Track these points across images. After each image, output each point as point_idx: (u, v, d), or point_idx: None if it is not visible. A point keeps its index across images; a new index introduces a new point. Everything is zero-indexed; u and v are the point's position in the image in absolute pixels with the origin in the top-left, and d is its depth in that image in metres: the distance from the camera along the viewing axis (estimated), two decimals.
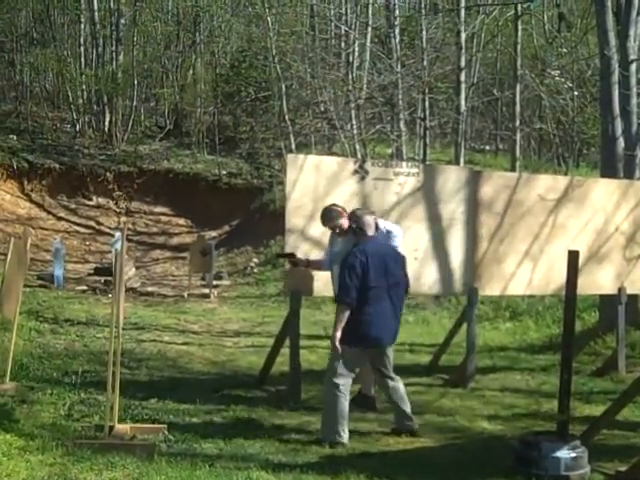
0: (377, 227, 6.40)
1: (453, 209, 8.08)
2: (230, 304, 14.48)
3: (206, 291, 15.28)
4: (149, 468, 5.04)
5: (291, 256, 7.15)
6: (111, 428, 5.76)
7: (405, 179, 7.84)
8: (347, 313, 5.94)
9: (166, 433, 6.01)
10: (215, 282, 15.87)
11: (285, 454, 5.67)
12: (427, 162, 17.62)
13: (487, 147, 25.04)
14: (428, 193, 7.99)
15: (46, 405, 6.65)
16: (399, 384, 6.31)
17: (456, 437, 6.36)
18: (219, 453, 5.63)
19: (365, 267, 5.95)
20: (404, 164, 8.60)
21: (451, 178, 8.14)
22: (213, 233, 20.69)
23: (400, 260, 6.32)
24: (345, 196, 7.42)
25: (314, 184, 7.35)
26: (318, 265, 7.08)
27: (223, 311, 13.60)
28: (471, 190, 8.17)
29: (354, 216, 6.34)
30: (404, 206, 7.85)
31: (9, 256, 7.21)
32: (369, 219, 6.24)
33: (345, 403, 6.03)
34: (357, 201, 7.56)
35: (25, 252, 7.48)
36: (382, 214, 7.70)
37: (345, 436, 5.98)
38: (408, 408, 6.29)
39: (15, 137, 22.75)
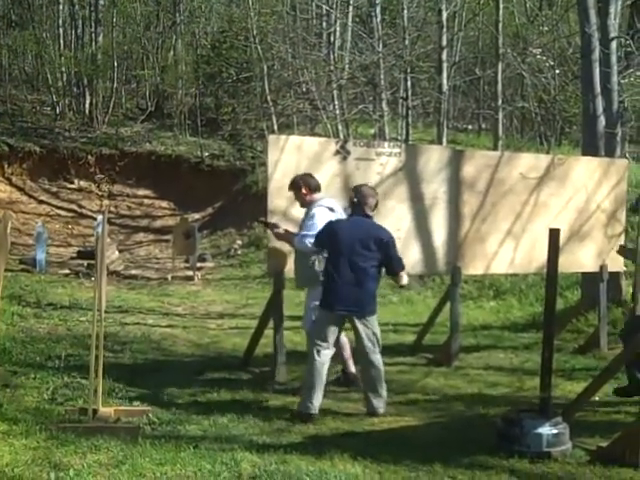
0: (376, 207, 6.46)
1: (435, 188, 8.09)
2: (214, 286, 14.47)
3: (190, 273, 15.27)
4: (133, 451, 5.05)
5: (273, 226, 7.07)
6: (95, 411, 5.75)
7: (387, 159, 7.83)
8: (301, 246, 6.63)
9: (150, 416, 6.00)
10: (199, 264, 15.85)
11: (269, 435, 5.69)
12: (410, 142, 17.61)
13: (470, 126, 25.06)
14: (410, 173, 7.99)
15: (29, 389, 6.63)
16: (372, 372, 6.31)
17: (440, 416, 6.39)
18: (203, 435, 5.63)
19: (329, 235, 6.26)
20: (386, 144, 8.60)
21: (433, 158, 8.15)
22: (196, 215, 20.64)
23: (377, 241, 6.25)
24: (327, 176, 7.41)
25: (296, 165, 7.33)
26: (289, 238, 6.96)
27: (207, 293, 13.60)
28: (453, 169, 8.18)
29: (358, 191, 6.40)
30: (386, 186, 7.84)
31: None
32: (372, 200, 6.34)
33: (318, 373, 6.10)
34: (339, 181, 7.56)
35: (5, 236, 7.42)
36: None
37: (313, 407, 6.07)
38: (375, 397, 6.30)
39: None
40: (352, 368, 7.07)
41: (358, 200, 6.35)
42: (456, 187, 8.19)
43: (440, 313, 8.88)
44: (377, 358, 6.31)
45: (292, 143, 7.50)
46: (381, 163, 7.81)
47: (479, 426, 5.95)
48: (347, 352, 7.06)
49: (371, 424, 6.09)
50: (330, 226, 6.38)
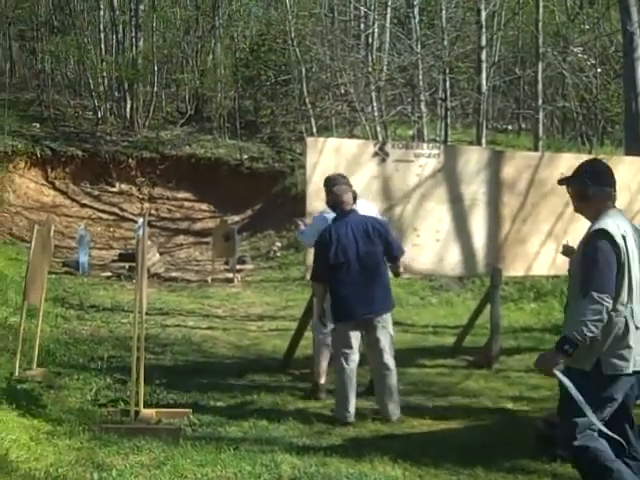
0: (355, 200, 6.31)
1: (475, 190, 8.04)
2: (254, 288, 14.53)
3: (230, 275, 15.35)
4: (175, 452, 5.09)
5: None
6: (137, 413, 5.82)
7: (426, 160, 7.80)
8: (322, 288, 6.20)
9: (191, 417, 6.05)
10: (238, 266, 15.93)
11: (309, 437, 5.69)
12: (449, 143, 17.52)
13: (509, 127, 24.84)
14: (449, 174, 7.95)
15: (73, 390, 6.73)
16: (389, 376, 6.22)
17: (481, 418, 6.33)
18: (244, 436, 5.66)
19: (329, 244, 6.08)
20: (425, 145, 8.58)
21: (473, 159, 8.10)
22: (236, 217, 20.75)
23: (375, 232, 6.14)
24: (366, 179, 7.41)
25: (334, 167, 7.32)
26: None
27: (247, 295, 13.66)
28: (493, 170, 8.13)
29: (332, 192, 6.29)
30: (425, 188, 7.82)
31: (33, 243, 7.27)
32: (348, 197, 6.22)
33: (349, 380, 6.09)
34: (378, 183, 7.55)
35: (49, 239, 7.55)
36: (404, 196, 7.71)
37: (350, 415, 6.07)
38: (391, 402, 6.20)
39: (38, 125, 22.91)
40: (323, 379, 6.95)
41: (333, 201, 6.25)
42: (496, 188, 8.13)
43: (480, 315, 8.81)
44: (393, 361, 6.22)
45: (330, 145, 7.51)
46: (420, 165, 7.79)
47: (520, 429, 5.88)
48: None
49: (411, 427, 6.07)
50: (326, 235, 6.18)
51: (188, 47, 26.18)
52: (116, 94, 24.56)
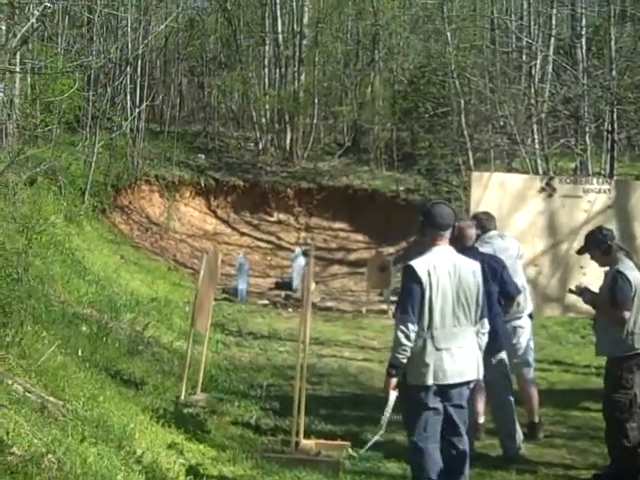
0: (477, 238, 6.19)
1: None
2: None
3: (384, 307, 15.32)
4: None
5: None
6: (297, 443, 5.88)
7: (595, 196, 7.53)
8: None
9: (350, 451, 6.04)
10: (393, 298, 15.86)
11: (469, 478, 5.54)
12: (614, 176, 16.82)
13: None
14: (621, 211, 7.63)
15: (234, 417, 6.89)
16: None
17: None
18: (403, 473, 5.59)
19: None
20: (594, 180, 8.27)
21: None
22: (391, 249, 20.74)
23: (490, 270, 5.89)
24: (531, 214, 7.25)
25: (498, 202, 7.22)
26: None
27: None
28: None
29: (456, 227, 5.93)
30: (594, 224, 7.51)
31: (202, 272, 7.55)
32: (471, 232, 6.14)
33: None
34: (544, 220, 7.35)
35: (216, 267, 7.82)
36: (570, 232, 7.46)
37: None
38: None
39: (203, 156, 23.89)
40: (536, 418, 6.83)
41: (457, 236, 5.74)
42: None
43: None
44: None
45: (495, 180, 7.42)
46: (589, 200, 7.53)
47: None
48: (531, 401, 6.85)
49: (578, 474, 5.81)
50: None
51: (347, 80, 26.62)
52: (277, 126, 25.28)
